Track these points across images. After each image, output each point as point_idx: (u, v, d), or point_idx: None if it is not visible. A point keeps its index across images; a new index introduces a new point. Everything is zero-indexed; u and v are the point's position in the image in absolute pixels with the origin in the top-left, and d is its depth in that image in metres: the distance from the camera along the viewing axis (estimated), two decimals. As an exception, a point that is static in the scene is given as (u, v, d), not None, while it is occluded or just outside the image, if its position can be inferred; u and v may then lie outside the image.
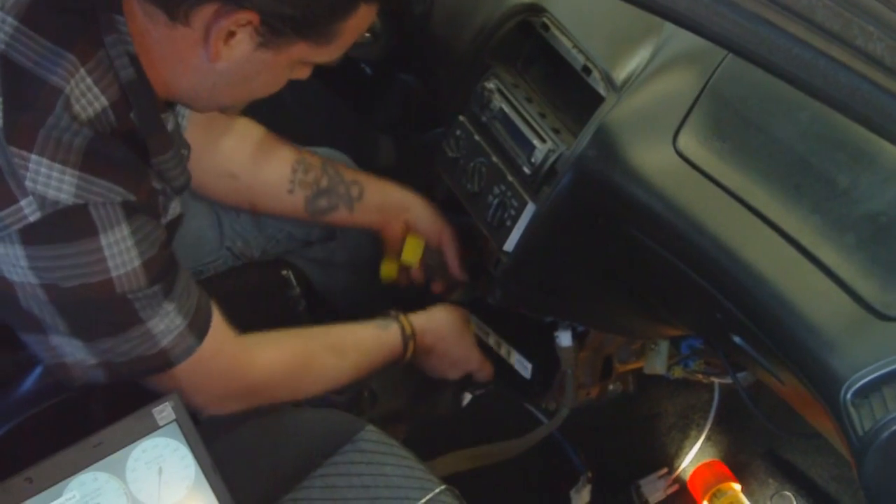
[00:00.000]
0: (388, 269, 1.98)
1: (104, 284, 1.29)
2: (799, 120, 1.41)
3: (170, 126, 1.39)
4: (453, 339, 1.87)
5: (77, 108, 1.22)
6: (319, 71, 1.37)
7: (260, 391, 1.57)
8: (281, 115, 2.13)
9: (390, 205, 1.91)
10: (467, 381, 1.94)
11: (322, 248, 2.03)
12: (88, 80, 1.23)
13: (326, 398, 1.74)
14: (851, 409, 1.16)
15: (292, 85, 1.39)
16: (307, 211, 1.86)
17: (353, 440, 1.49)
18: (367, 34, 1.92)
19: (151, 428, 1.29)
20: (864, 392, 1.15)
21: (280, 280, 1.93)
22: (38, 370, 1.46)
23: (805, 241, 1.31)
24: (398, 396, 1.98)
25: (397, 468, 1.46)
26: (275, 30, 1.22)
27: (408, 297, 1.91)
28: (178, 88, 1.32)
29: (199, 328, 1.43)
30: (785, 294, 1.28)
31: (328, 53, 1.30)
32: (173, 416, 1.30)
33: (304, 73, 1.35)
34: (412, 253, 1.93)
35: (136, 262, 1.30)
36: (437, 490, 1.44)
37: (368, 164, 2.07)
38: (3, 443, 1.40)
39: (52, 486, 1.22)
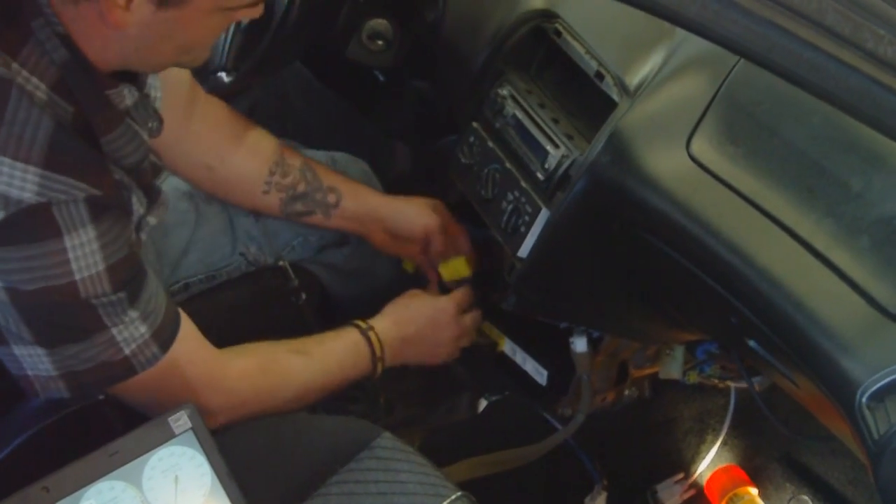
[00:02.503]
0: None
1: (68, 287, 1.27)
2: (811, 124, 1.41)
3: (128, 100, 1.36)
4: (422, 319, 1.81)
5: (28, 92, 1.21)
6: (332, 79, 1.36)
7: (236, 400, 1.54)
8: (295, 122, 2.13)
9: (367, 215, 1.89)
10: (483, 387, 1.94)
11: (335, 252, 2.02)
12: (24, 72, 1.21)
13: (342, 406, 1.74)
14: (867, 413, 1.15)
15: (306, 92, 1.39)
16: (283, 212, 1.85)
17: (369, 447, 1.49)
18: (380, 42, 1.92)
19: (167, 436, 1.29)
20: (880, 395, 1.15)
21: (278, 272, 1.91)
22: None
23: (819, 245, 1.30)
24: (414, 403, 1.98)
25: (413, 475, 1.46)
26: None
27: None
28: (109, 58, 1.29)
29: (163, 338, 1.41)
30: (799, 297, 1.28)
31: None
32: (189, 425, 1.30)
33: (252, 13, 1.29)
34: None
35: (101, 266, 1.29)
36: (452, 497, 1.43)
37: (385, 171, 2.08)
38: (20, 452, 1.40)
39: (68, 495, 1.22)
